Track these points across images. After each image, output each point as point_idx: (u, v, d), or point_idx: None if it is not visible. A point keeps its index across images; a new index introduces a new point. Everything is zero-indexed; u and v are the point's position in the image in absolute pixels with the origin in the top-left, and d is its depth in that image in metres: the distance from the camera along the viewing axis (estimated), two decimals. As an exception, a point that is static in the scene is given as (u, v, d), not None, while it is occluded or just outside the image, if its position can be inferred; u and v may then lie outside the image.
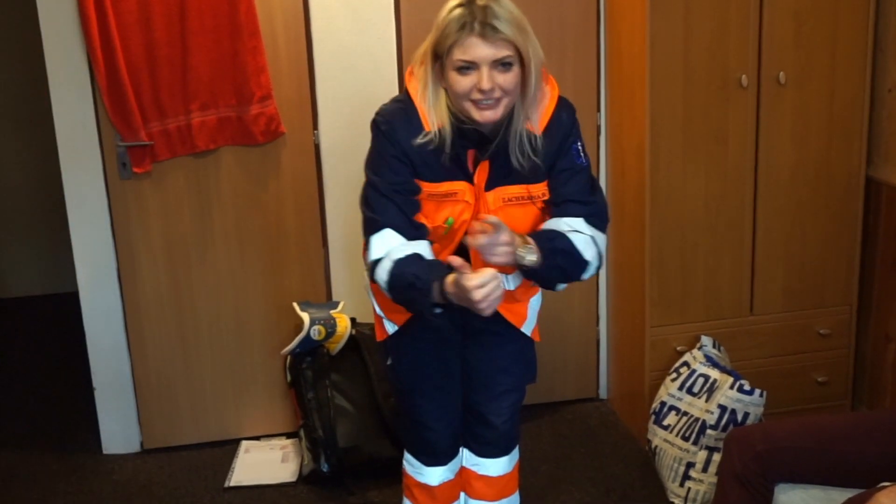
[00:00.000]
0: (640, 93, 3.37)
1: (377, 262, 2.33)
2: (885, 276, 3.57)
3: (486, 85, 2.20)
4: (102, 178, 3.51)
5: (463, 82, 2.23)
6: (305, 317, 3.47)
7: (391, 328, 2.61)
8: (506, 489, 2.79)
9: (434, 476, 2.70)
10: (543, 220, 2.44)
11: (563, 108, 2.42)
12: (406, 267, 2.27)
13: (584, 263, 2.38)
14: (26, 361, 4.78)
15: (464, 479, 2.79)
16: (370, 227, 2.36)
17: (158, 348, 3.69)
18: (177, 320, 3.68)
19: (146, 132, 3.42)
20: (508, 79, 2.23)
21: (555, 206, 2.42)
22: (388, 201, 2.33)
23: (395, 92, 3.58)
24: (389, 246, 2.31)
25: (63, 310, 5.18)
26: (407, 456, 2.75)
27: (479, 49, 2.19)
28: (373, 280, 2.38)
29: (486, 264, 2.24)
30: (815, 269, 3.61)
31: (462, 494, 2.80)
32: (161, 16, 3.32)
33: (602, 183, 3.81)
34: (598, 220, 2.44)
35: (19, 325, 5.29)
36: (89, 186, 3.51)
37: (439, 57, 2.26)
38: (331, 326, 3.48)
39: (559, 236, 2.35)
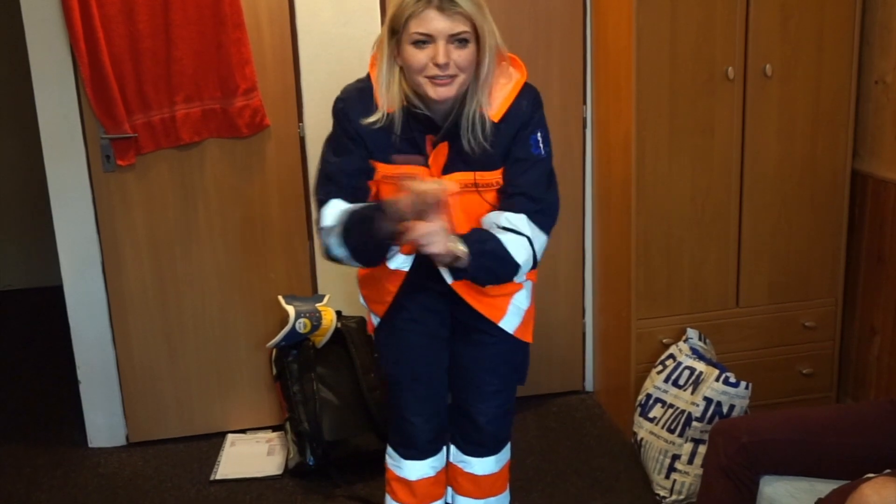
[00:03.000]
0: (627, 85, 3.37)
1: (328, 229, 2.32)
2: (870, 268, 3.58)
3: (441, 59, 2.18)
4: (86, 170, 3.49)
5: (419, 56, 2.21)
6: (291, 310, 3.46)
7: (376, 320, 2.61)
8: (493, 488, 2.76)
9: (412, 471, 2.68)
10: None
11: (525, 96, 2.37)
12: (358, 208, 2.29)
13: (514, 266, 2.33)
14: (11, 355, 4.76)
15: (450, 474, 2.77)
16: (319, 207, 2.37)
17: (143, 341, 3.67)
18: (162, 313, 3.66)
19: (130, 124, 3.40)
20: (464, 55, 2.22)
21: (505, 197, 2.37)
22: (334, 186, 2.34)
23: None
24: (339, 210, 2.32)
25: (47, 303, 5.16)
26: (388, 448, 2.73)
27: (436, 22, 2.17)
28: (327, 252, 2.36)
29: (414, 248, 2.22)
30: (800, 262, 3.62)
31: (449, 490, 2.79)
32: (144, 7, 3.30)
33: (588, 176, 3.81)
34: (543, 218, 2.38)
35: (3, 319, 5.26)
36: (73, 179, 3.49)
37: (396, 32, 2.24)
38: (316, 319, 3.47)
39: (490, 238, 2.30)
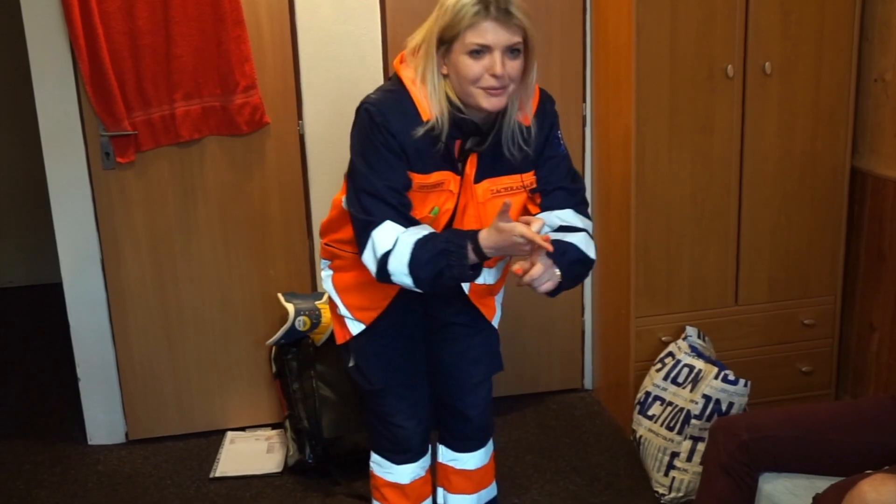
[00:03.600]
0: (627, 83, 3.37)
1: (388, 253, 2.23)
2: (869, 266, 3.59)
3: (499, 70, 2.16)
4: (86, 167, 3.49)
5: (474, 67, 2.18)
6: (290, 308, 3.46)
7: (356, 328, 2.53)
8: (483, 481, 2.78)
9: (405, 474, 2.66)
10: (525, 208, 2.43)
11: (547, 98, 2.44)
12: (430, 241, 2.21)
13: (591, 263, 2.39)
14: (10, 352, 4.75)
15: (441, 475, 2.77)
16: (367, 227, 2.27)
17: (143, 339, 3.67)
18: (161, 311, 3.66)
19: (130, 122, 3.40)
20: (516, 66, 2.21)
21: (544, 195, 2.41)
22: (385, 205, 2.25)
23: (381, 81, 3.57)
24: (396, 234, 2.23)
25: (47, 300, 5.15)
26: (374, 457, 2.69)
27: (495, 33, 2.16)
28: (383, 278, 2.27)
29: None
30: (799, 260, 3.62)
31: (441, 491, 2.79)
32: (144, 4, 3.30)
33: (587, 173, 3.81)
34: (584, 207, 2.45)
35: (3, 316, 5.26)
36: (72, 176, 3.48)
37: (444, 41, 2.21)
38: (316, 317, 3.46)
39: (568, 247, 2.31)
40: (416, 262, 2.21)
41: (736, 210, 3.51)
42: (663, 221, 3.46)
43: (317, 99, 3.58)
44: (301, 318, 3.44)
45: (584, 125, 3.78)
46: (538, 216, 2.31)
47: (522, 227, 2.11)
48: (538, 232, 2.13)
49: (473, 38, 2.17)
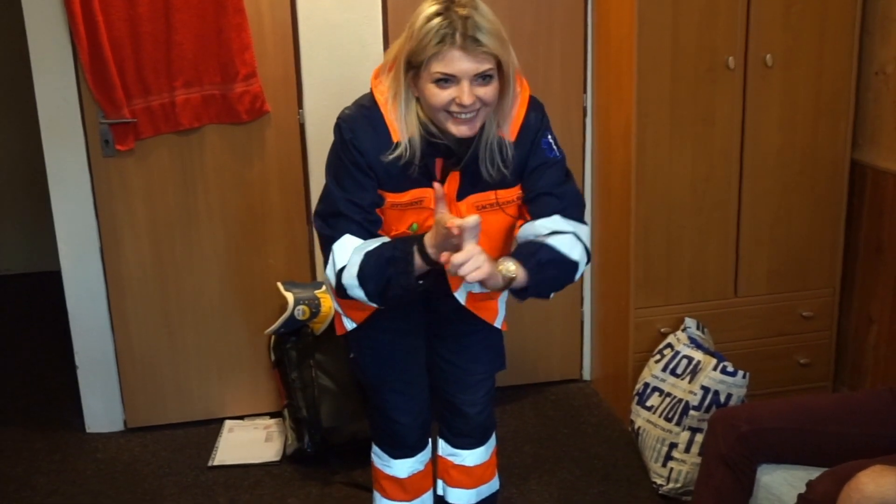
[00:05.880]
0: (628, 74, 3.36)
1: (342, 269, 2.18)
2: (868, 258, 3.59)
3: (467, 100, 2.08)
4: (85, 155, 3.48)
5: (441, 95, 2.10)
6: (290, 297, 3.46)
7: (350, 324, 2.51)
8: (483, 477, 2.76)
9: (403, 468, 2.65)
10: (515, 225, 2.36)
11: (532, 109, 2.31)
12: (378, 250, 2.15)
13: (573, 265, 2.25)
14: (9, 340, 4.75)
15: (441, 468, 2.76)
16: (328, 242, 2.23)
17: (142, 327, 3.67)
18: (160, 299, 3.66)
19: (129, 109, 3.40)
20: (489, 91, 2.11)
21: (531, 203, 2.32)
22: (346, 220, 2.20)
23: (382, 71, 3.56)
24: (352, 247, 2.19)
25: (46, 288, 5.15)
26: (375, 448, 2.68)
27: (460, 63, 2.06)
28: (341, 293, 2.22)
29: (457, 278, 2.11)
30: (799, 252, 3.62)
31: (440, 482, 2.78)
32: (145, -9, 3.29)
33: (588, 164, 3.81)
34: (574, 210, 2.32)
35: (2, 304, 5.25)
36: (72, 164, 3.48)
37: (413, 66, 2.12)
38: (315, 306, 3.46)
39: (541, 247, 2.21)
40: (364, 273, 2.15)
41: (736, 202, 3.51)
42: (663, 213, 3.46)
43: (317, 88, 3.57)
44: (300, 307, 3.44)
45: (584, 116, 3.77)
46: (520, 233, 2.27)
47: (442, 213, 2.04)
48: (471, 226, 2.00)
49: (438, 68, 2.07)
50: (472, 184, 2.26)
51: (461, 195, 2.28)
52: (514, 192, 2.32)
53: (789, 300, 3.65)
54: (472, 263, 2.01)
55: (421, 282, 2.15)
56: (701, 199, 3.48)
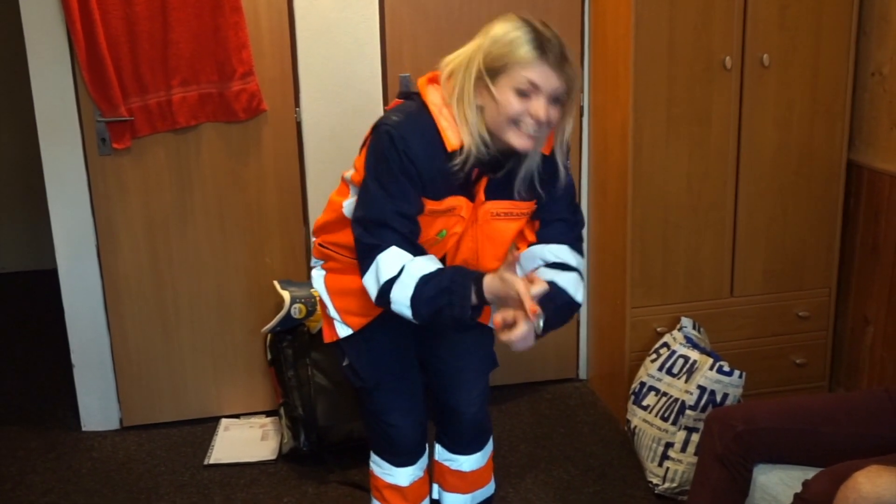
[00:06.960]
0: (625, 73, 3.36)
1: (391, 281, 2.17)
2: (864, 259, 3.59)
3: (543, 115, 2.12)
4: (82, 153, 3.48)
5: (517, 105, 2.12)
6: (286, 295, 3.46)
7: (344, 331, 2.48)
8: (479, 481, 2.76)
9: (404, 476, 2.63)
10: (521, 232, 2.39)
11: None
12: (435, 277, 2.16)
13: (577, 307, 2.33)
14: (5, 338, 4.75)
15: (437, 472, 2.76)
16: (372, 251, 2.21)
17: (138, 325, 3.67)
18: (157, 297, 3.66)
19: (126, 107, 3.39)
20: (556, 114, 2.16)
21: (543, 224, 2.36)
22: (393, 231, 2.19)
23: (377, 71, 3.58)
24: (402, 262, 2.17)
25: (42, 286, 5.14)
26: (374, 457, 2.66)
27: (551, 78, 2.11)
28: (383, 304, 2.23)
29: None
30: (795, 252, 3.63)
31: (436, 487, 2.78)
32: (142, -11, 3.29)
33: (584, 164, 3.82)
34: (580, 243, 2.39)
35: (-3, 302, 5.26)
36: (68, 162, 3.47)
37: (490, 72, 2.14)
38: (312, 305, 3.47)
39: (559, 294, 2.26)
40: (419, 297, 2.16)
41: (732, 202, 3.52)
42: (660, 212, 3.47)
43: (314, 86, 3.57)
44: (297, 305, 3.44)
45: (581, 115, 3.77)
46: (540, 272, 2.30)
47: (521, 286, 2.07)
48: (536, 296, 2.08)
49: (530, 76, 2.10)
50: (495, 191, 2.29)
51: (487, 198, 2.30)
52: (531, 206, 2.35)
53: (785, 300, 3.66)
54: (526, 342, 2.12)
55: (472, 314, 2.17)
56: (697, 199, 3.48)
